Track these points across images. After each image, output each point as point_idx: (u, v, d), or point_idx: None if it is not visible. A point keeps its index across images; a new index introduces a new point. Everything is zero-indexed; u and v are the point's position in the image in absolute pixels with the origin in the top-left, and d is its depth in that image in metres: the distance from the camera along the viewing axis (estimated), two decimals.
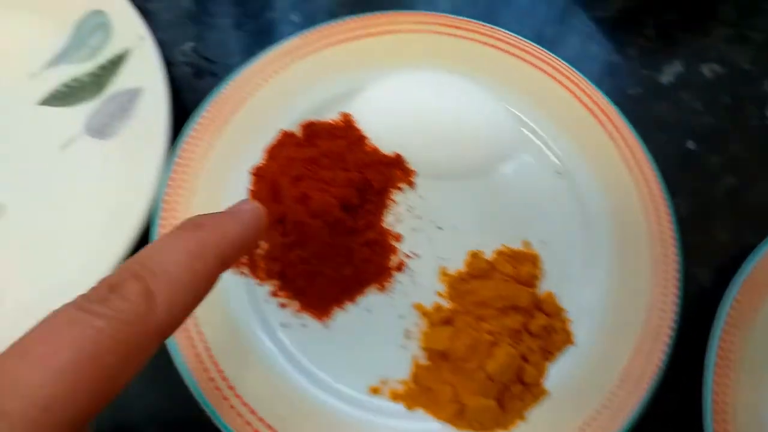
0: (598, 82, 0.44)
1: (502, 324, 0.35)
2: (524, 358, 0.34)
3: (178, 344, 0.32)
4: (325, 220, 0.35)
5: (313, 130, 0.39)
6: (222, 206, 0.36)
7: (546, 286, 0.37)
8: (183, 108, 0.41)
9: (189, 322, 0.33)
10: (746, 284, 0.36)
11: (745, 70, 0.46)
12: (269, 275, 0.35)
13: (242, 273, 0.35)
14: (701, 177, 0.42)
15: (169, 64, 0.42)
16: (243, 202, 0.27)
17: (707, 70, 0.46)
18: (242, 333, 0.34)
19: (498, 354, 0.33)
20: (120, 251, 0.34)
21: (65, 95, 0.39)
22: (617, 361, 0.35)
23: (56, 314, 0.19)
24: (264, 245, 0.36)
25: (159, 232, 0.35)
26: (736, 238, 0.41)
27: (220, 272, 0.23)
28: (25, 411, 0.16)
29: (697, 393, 0.34)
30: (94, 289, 0.20)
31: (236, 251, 0.24)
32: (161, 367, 0.32)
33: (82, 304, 0.19)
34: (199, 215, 0.24)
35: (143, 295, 0.20)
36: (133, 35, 0.39)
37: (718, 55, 0.47)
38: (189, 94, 0.42)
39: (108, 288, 0.20)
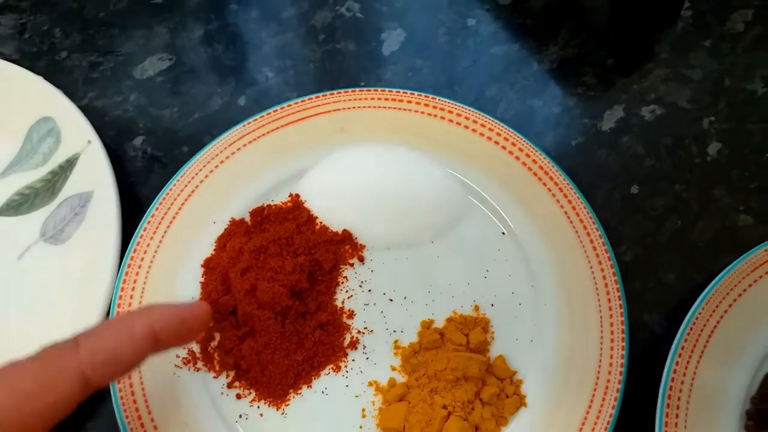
0: (540, 136, 0.46)
1: (454, 396, 0.36)
2: (477, 428, 0.35)
3: None
4: (274, 310, 0.36)
5: (262, 216, 0.40)
6: (175, 300, 0.38)
7: (497, 349, 0.38)
8: (137, 202, 0.43)
9: (146, 422, 0.34)
10: (690, 332, 0.37)
11: (684, 108, 0.47)
12: (224, 367, 0.37)
13: (197, 368, 0.36)
14: (646, 221, 0.43)
15: (121, 160, 0.44)
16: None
17: (647, 112, 0.47)
18: (201, 429, 0.35)
19: (449, 429, 0.34)
20: None
21: (20, 204, 0.41)
22: (570, 419, 0.36)
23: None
24: (217, 337, 0.37)
25: None
26: (683, 280, 0.42)
27: (150, 341, 0.27)
28: None
29: None
30: None
31: (166, 324, 0.28)
32: None
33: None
34: None
35: (69, 343, 0.25)
36: (81, 139, 0.41)
37: (657, 96, 0.48)
38: (142, 188, 0.43)
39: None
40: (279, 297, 0.36)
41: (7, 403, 0.23)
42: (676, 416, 0.36)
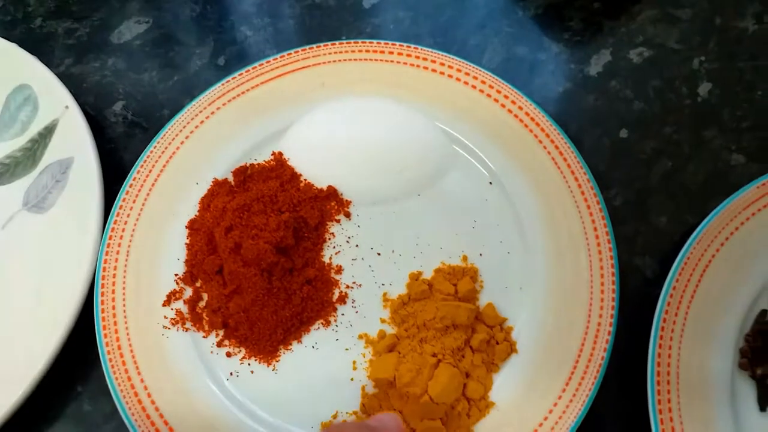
0: (527, 83, 0.45)
1: (443, 344, 0.35)
2: (468, 375, 0.35)
3: (129, 410, 0.33)
4: (259, 267, 0.36)
5: (244, 175, 0.40)
6: (161, 265, 0.37)
7: (486, 297, 0.38)
8: (119, 168, 0.42)
9: (137, 383, 0.34)
10: (681, 273, 0.37)
11: (673, 49, 0.46)
12: (213, 326, 0.36)
13: (186, 328, 0.36)
14: (636, 164, 0.43)
15: (102, 126, 0.43)
16: (384, 415, 0.31)
17: (635, 55, 0.46)
18: (191, 389, 0.35)
19: (439, 376, 0.34)
20: (66, 318, 0.35)
21: (1, 174, 0.40)
22: (562, 363, 0.36)
23: None
24: (205, 297, 0.37)
25: (101, 299, 0.36)
26: (675, 222, 0.41)
27: None
28: None
29: (643, 391, 0.34)
30: None
31: None
32: None
33: None
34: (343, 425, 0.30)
35: None
36: (58, 105, 0.40)
37: (645, 38, 0.47)
38: (124, 153, 0.43)
39: None
40: (264, 253, 0.36)
41: None
42: (669, 356, 0.36)
